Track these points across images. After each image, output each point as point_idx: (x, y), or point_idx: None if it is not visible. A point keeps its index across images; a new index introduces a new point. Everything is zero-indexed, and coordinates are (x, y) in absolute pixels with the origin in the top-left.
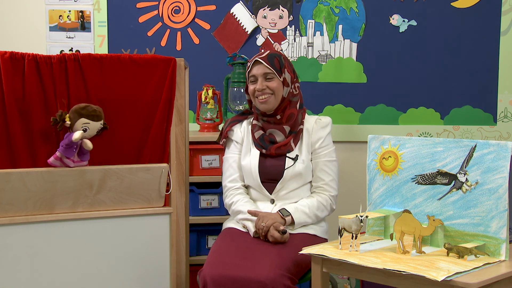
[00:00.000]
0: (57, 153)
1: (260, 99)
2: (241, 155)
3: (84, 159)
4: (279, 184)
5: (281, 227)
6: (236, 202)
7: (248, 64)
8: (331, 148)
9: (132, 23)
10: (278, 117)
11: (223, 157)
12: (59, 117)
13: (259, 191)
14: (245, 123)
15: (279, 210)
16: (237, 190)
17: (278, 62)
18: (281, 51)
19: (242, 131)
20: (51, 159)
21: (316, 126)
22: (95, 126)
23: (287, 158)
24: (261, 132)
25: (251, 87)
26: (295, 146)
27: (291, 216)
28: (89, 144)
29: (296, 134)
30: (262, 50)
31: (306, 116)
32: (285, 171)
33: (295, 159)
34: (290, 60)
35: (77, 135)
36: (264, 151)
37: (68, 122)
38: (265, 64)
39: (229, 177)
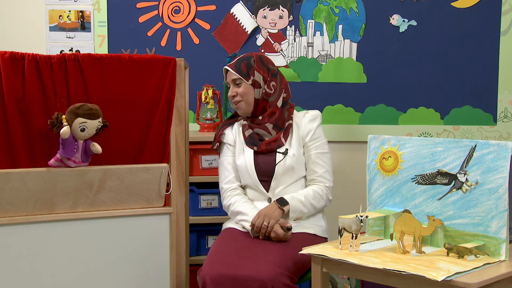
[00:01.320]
0: (58, 155)
1: (235, 106)
2: (236, 156)
3: (86, 160)
4: (273, 181)
5: (288, 224)
6: (234, 203)
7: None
8: (322, 141)
9: (132, 23)
10: (260, 117)
11: (218, 161)
12: (56, 119)
13: (256, 190)
14: (236, 125)
15: (276, 200)
16: (234, 191)
17: (245, 66)
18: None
19: (233, 133)
20: (51, 161)
21: (305, 120)
22: (93, 124)
23: (277, 153)
24: (250, 131)
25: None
26: (286, 141)
27: (289, 206)
28: (98, 148)
29: (285, 129)
30: (262, 50)
31: (295, 111)
32: (276, 166)
33: (284, 153)
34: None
35: (63, 131)
36: (255, 148)
37: (65, 123)
38: (231, 70)
39: (225, 179)
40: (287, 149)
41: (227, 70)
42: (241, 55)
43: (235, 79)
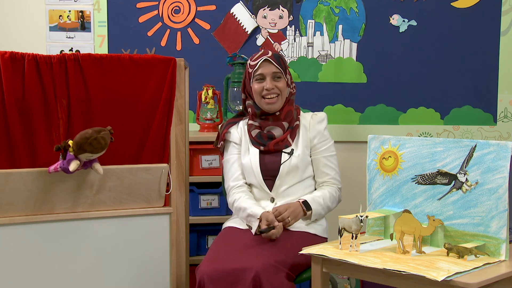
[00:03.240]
0: (58, 168)
1: (267, 100)
2: (241, 155)
3: (85, 169)
4: (278, 180)
5: (264, 226)
6: (238, 199)
7: (251, 62)
8: (331, 142)
9: (132, 23)
10: (277, 113)
11: (222, 160)
12: (63, 147)
13: (260, 189)
14: (241, 124)
15: (302, 202)
16: (240, 188)
17: (283, 63)
18: (281, 51)
19: (239, 132)
20: (51, 169)
21: (313, 121)
22: (99, 154)
23: (282, 153)
24: (257, 130)
25: (258, 86)
26: (292, 142)
27: (312, 212)
28: (99, 170)
29: (292, 129)
30: (263, 50)
31: (301, 112)
32: (281, 165)
33: (290, 153)
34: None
35: (73, 167)
36: (262, 148)
37: (71, 152)
38: (274, 63)
39: (231, 177)
40: (292, 149)
41: (267, 62)
42: (271, 51)
43: (276, 72)
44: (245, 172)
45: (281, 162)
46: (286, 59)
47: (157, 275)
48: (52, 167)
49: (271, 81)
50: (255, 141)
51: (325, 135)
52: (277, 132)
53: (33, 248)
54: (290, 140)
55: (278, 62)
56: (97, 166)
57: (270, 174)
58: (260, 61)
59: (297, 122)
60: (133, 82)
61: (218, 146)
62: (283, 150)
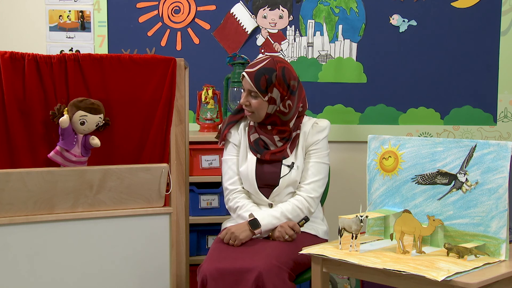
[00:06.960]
0: (57, 147)
1: (246, 113)
2: (239, 159)
3: (86, 154)
4: (275, 191)
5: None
6: (241, 207)
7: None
8: (324, 152)
9: (132, 23)
10: (269, 127)
11: (222, 158)
12: (57, 110)
13: (257, 196)
14: (242, 125)
15: (248, 221)
16: (240, 194)
17: (266, 81)
18: (281, 60)
19: (239, 133)
20: (51, 154)
21: (313, 131)
22: (93, 119)
23: (282, 165)
24: (256, 135)
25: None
26: (291, 153)
27: (261, 228)
28: (97, 141)
29: (292, 140)
30: (263, 50)
31: (304, 119)
32: (281, 179)
33: (290, 166)
34: (292, 68)
35: (62, 119)
36: (259, 156)
37: (66, 114)
38: (250, 82)
39: (229, 180)
40: (293, 163)
41: (245, 78)
42: (264, 64)
43: (251, 91)
44: (242, 179)
45: (281, 176)
46: (287, 74)
47: (157, 275)
48: (51, 152)
49: (246, 96)
50: (253, 147)
51: (321, 144)
52: (271, 145)
53: (33, 248)
54: (288, 151)
55: (257, 80)
56: (95, 138)
57: (267, 183)
58: (242, 73)
59: (298, 131)
60: (133, 82)
61: (220, 145)
62: (283, 162)
